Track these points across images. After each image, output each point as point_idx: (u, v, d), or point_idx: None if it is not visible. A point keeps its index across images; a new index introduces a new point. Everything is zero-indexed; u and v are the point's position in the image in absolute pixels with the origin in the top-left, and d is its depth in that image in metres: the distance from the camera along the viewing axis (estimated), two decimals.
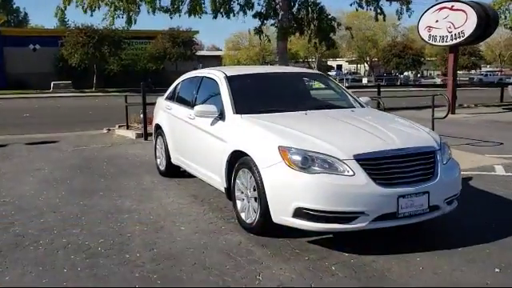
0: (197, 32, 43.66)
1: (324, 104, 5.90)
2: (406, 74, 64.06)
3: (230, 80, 5.66)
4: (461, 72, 65.28)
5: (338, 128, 4.78)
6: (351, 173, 4.00)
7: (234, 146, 4.90)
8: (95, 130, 14.45)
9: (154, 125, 7.81)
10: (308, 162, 4.09)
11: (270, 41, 21.69)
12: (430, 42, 15.75)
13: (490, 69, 77.79)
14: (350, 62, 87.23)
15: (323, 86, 6.50)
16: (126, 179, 7.35)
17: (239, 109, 5.24)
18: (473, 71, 64.50)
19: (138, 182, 7.17)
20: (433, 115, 10.29)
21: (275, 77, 6.26)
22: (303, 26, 19.62)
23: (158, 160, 7.68)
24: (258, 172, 4.41)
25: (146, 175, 7.60)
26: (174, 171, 7.25)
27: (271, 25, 19.81)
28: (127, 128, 13.55)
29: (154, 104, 8.72)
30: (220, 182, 5.34)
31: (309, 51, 67.70)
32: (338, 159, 4.06)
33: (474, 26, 14.12)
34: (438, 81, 64.76)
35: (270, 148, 4.35)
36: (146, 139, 11.62)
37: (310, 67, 70.30)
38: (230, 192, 5.14)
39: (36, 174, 7.76)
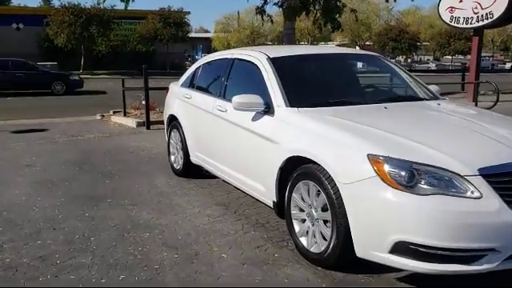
0: (188, 13, 41.97)
1: (400, 94, 4.75)
2: (397, 58, 63.06)
3: (275, 63, 4.50)
4: (452, 57, 64.65)
5: (442, 130, 3.65)
6: (477, 194, 2.89)
7: (292, 149, 3.77)
8: (87, 116, 13.25)
9: (166, 115, 6.63)
10: (415, 179, 2.97)
11: (272, 22, 20.38)
12: (452, 24, 14.62)
13: (483, 54, 77.11)
14: (342, 46, 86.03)
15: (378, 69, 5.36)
16: (135, 179, 6.19)
17: (294, 100, 4.09)
18: (468, 56, 63.68)
19: (151, 183, 6.01)
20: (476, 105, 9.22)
21: (329, 59, 5.05)
22: (309, 5, 18.42)
23: (173, 157, 6.52)
24: (335, 188, 3.29)
25: (159, 174, 6.45)
26: (192, 171, 6.11)
27: (274, 4, 18.59)
28: (124, 115, 12.32)
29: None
30: (265, 193, 4.22)
31: (301, 34, 66.25)
32: (458, 175, 2.94)
33: (505, 6, 13.01)
34: (433, 66, 63.95)
35: (355, 156, 3.23)
36: (148, 128, 10.44)
37: None
38: (280, 207, 4.03)
39: (27, 173, 6.56)
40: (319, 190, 3.50)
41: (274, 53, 4.72)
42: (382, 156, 3.07)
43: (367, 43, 70.05)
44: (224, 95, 5.08)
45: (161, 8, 39.85)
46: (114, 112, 13.47)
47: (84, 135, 9.80)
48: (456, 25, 14.61)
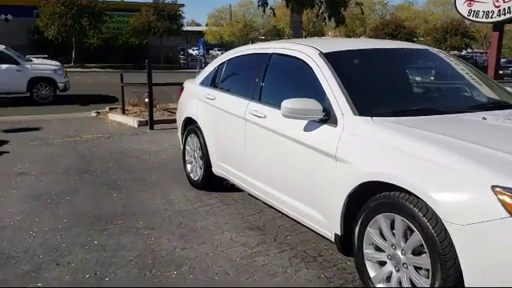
0: (182, 5, 40.90)
1: (490, 100, 3.88)
2: None
3: (331, 59, 3.65)
4: (449, 53, 63.96)
5: None
6: None
7: (369, 172, 2.93)
8: (81, 112, 12.37)
9: (181, 118, 5.76)
10: None
11: (274, 15, 19.53)
12: (471, 17, 13.69)
13: (476, 50, 76.73)
14: None
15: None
16: (146, 192, 5.33)
17: (364, 107, 3.25)
18: (463, 52, 63.23)
19: (166, 198, 5.16)
20: None
21: (394, 54, 4.17)
22: None
23: (189, 166, 5.66)
24: (439, 228, 2.47)
25: (172, 185, 5.60)
26: (214, 183, 5.28)
27: None
28: (123, 113, 11.42)
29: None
30: (322, 223, 3.39)
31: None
32: None
33: None
34: None
35: (472, 187, 2.40)
36: (151, 128, 9.55)
37: None
38: (345, 241, 3.21)
39: (20, 184, 5.67)
40: (410, 228, 2.68)
41: (326, 47, 3.86)
42: None
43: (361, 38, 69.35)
44: (259, 98, 4.23)
45: (154, 0, 38.70)
46: (111, 109, 12.59)
47: (81, 135, 8.90)
48: (475, 19, 13.71)
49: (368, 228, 2.98)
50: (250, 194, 4.83)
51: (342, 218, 3.16)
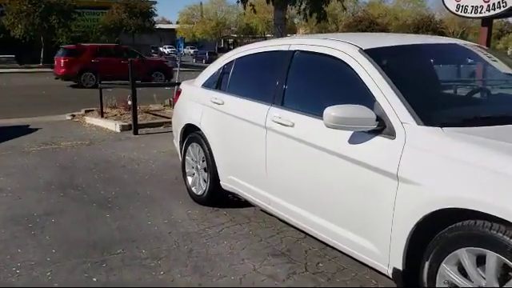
0: (155, 2, 39.94)
1: None
2: None
3: (376, 57, 3.09)
4: None
5: None
6: None
7: (449, 197, 2.37)
8: (55, 115, 11.52)
9: (180, 125, 5.12)
10: None
11: (255, 11, 18.91)
12: (459, 13, 13.30)
13: None
14: None
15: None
16: (143, 211, 4.68)
17: (428, 115, 2.69)
18: None
19: (167, 217, 4.52)
20: None
21: (444, 52, 3.59)
22: None
23: (190, 179, 5.03)
24: None
25: (171, 201, 4.97)
26: (220, 198, 4.67)
27: None
28: (102, 116, 10.66)
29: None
30: (374, 254, 2.83)
31: (268, 26, 64.76)
32: None
33: None
34: None
35: None
36: (136, 133, 8.83)
37: None
38: (407, 277, 2.64)
39: None
40: (507, 266, 2.14)
41: (364, 43, 3.29)
42: None
43: None
44: (282, 102, 3.63)
45: None
46: (86, 111, 11.80)
47: (59, 143, 8.13)
48: (463, 14, 13.32)
49: (443, 264, 2.43)
50: (262, 210, 4.26)
51: (405, 251, 2.59)
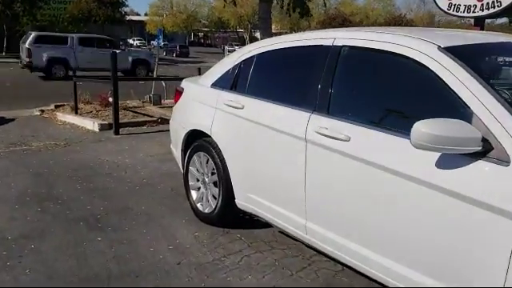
0: None
1: None
2: None
3: (465, 59, 2.42)
4: None
5: None
6: None
7: None
8: (22, 110, 10.56)
9: (184, 130, 4.35)
10: None
11: (235, 4, 18.14)
12: (451, 12, 12.90)
13: None
14: (279, 35, 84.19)
15: None
16: (142, 233, 3.93)
17: None
18: None
19: (172, 241, 3.78)
20: None
21: None
22: None
23: (194, 193, 4.29)
24: None
25: (173, 219, 4.24)
26: (234, 218, 3.97)
27: None
28: (76, 112, 9.74)
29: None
30: None
31: (241, 20, 63.93)
32: None
33: None
34: None
35: None
36: (117, 133, 7.97)
37: (242, 38, 66.75)
38: None
39: None
40: None
41: (440, 40, 2.62)
42: None
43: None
44: (328, 110, 2.94)
45: None
46: (57, 106, 10.87)
47: (30, 143, 7.24)
48: (455, 13, 12.92)
49: None
50: (281, 231, 3.59)
51: None
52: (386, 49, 2.73)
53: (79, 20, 35.06)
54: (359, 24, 53.65)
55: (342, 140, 2.73)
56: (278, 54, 3.58)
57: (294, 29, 69.70)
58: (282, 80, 3.56)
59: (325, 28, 44.53)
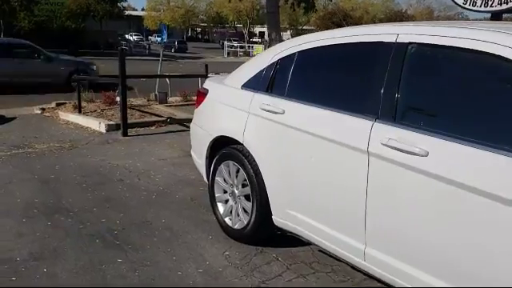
0: None
1: None
2: None
3: None
4: None
5: None
6: None
7: None
8: (22, 107, 10.14)
9: (208, 136, 3.91)
10: None
11: None
12: (467, 6, 12.47)
13: None
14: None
15: None
16: (165, 252, 3.51)
17: None
18: None
19: (201, 263, 3.35)
20: None
21: None
22: None
23: (221, 207, 3.87)
24: None
25: (198, 235, 3.82)
26: (268, 236, 3.55)
27: None
28: (79, 111, 9.29)
29: None
30: None
31: (240, 15, 63.32)
32: None
33: None
34: None
35: None
36: (125, 134, 7.52)
37: (240, 33, 66.26)
38: None
39: None
40: None
41: None
42: None
43: (305, 27, 68.37)
44: (394, 117, 2.51)
45: None
46: (58, 104, 10.43)
47: (33, 145, 6.80)
48: (471, 7, 12.48)
49: None
50: (321, 250, 3.17)
51: None
52: (468, 47, 2.30)
53: (77, 15, 34.46)
54: (359, 20, 53.07)
55: (417, 155, 2.31)
56: (325, 51, 3.14)
57: (294, 24, 69.26)
58: (330, 81, 3.12)
59: (325, 23, 43.86)
